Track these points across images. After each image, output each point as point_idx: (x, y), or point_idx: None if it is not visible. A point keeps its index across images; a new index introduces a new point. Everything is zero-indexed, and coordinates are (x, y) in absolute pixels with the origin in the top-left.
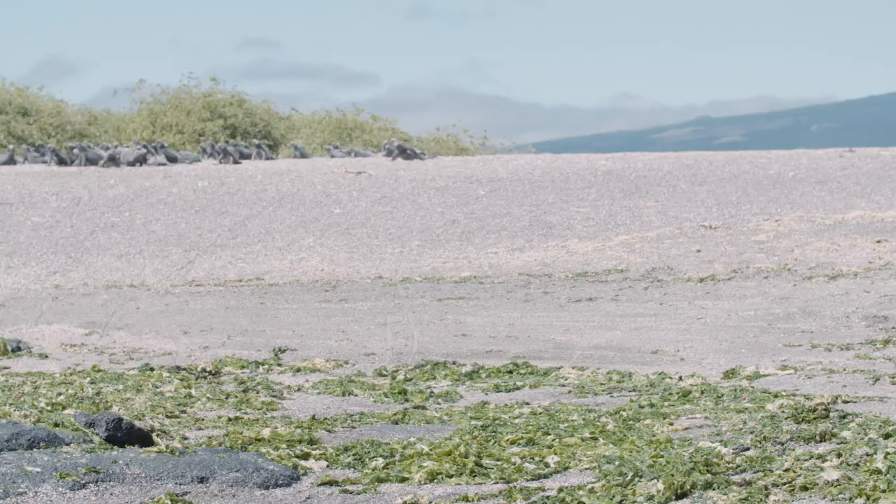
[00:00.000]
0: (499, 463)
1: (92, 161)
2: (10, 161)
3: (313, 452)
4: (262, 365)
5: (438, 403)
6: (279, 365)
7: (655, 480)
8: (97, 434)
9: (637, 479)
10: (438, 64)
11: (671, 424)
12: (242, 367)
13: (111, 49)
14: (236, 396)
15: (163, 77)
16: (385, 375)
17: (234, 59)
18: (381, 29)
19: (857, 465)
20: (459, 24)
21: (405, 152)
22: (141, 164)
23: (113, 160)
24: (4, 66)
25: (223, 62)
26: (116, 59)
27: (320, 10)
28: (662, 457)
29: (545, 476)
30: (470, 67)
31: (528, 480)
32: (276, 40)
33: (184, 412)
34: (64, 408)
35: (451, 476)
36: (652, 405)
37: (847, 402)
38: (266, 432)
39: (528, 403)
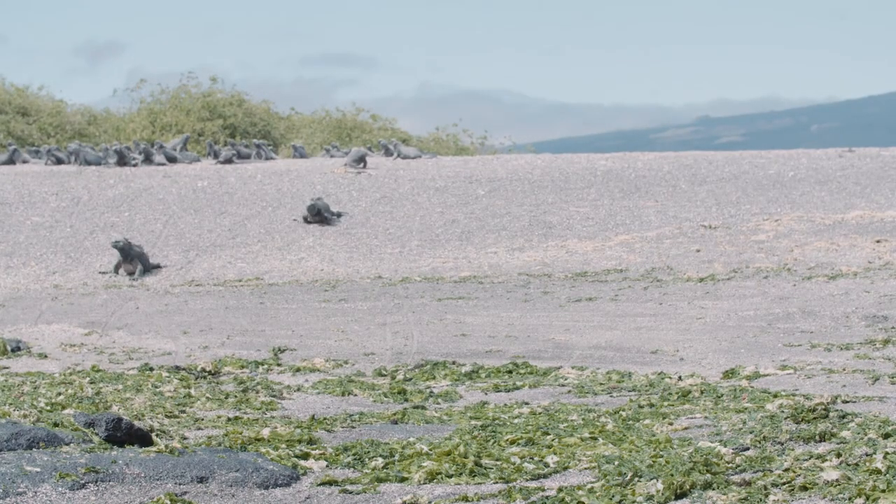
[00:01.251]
0: (498, 463)
1: (90, 163)
2: (10, 161)
3: (313, 452)
4: (262, 365)
5: (438, 403)
6: (279, 365)
7: (655, 480)
8: (97, 434)
9: (637, 478)
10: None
11: (671, 424)
12: (242, 366)
13: (158, 35)
14: (236, 396)
15: (210, 61)
16: (385, 375)
17: (271, 46)
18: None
19: (857, 465)
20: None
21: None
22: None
23: (122, 159)
24: (51, 43)
25: (261, 49)
26: (161, 45)
27: None
28: (662, 457)
29: (545, 476)
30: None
31: (527, 480)
32: (322, 25)
33: (183, 412)
34: (63, 408)
35: (450, 476)
36: (651, 405)
37: (847, 401)
38: (266, 432)
39: (527, 403)
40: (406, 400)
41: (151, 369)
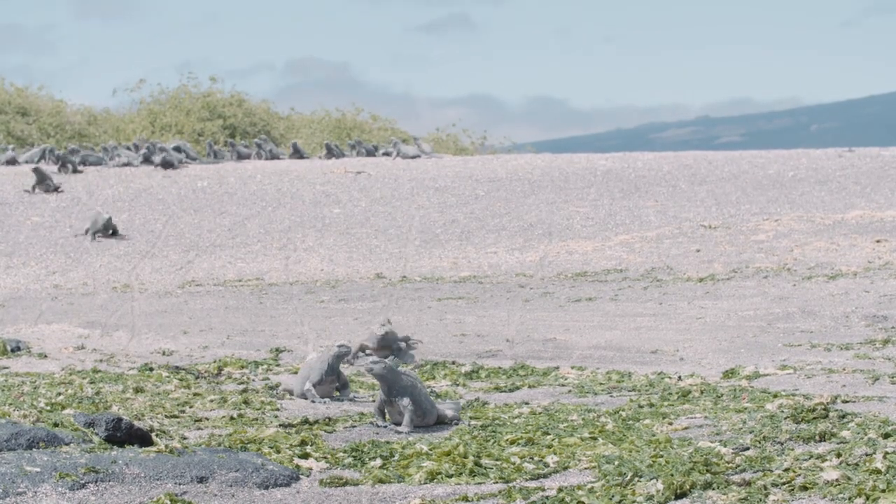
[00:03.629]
0: (498, 463)
1: (92, 164)
2: (12, 161)
3: (313, 452)
4: (262, 365)
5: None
6: (278, 365)
7: (655, 480)
8: (97, 434)
9: (637, 478)
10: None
11: (670, 424)
12: (242, 366)
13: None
14: (236, 396)
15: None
16: None
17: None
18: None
19: (857, 464)
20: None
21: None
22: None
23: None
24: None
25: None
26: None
27: None
28: (662, 457)
29: (544, 476)
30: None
31: (527, 480)
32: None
33: (183, 412)
34: (63, 408)
35: (450, 476)
36: (651, 405)
37: (846, 401)
38: (266, 432)
39: (527, 403)
40: None
41: (151, 369)
